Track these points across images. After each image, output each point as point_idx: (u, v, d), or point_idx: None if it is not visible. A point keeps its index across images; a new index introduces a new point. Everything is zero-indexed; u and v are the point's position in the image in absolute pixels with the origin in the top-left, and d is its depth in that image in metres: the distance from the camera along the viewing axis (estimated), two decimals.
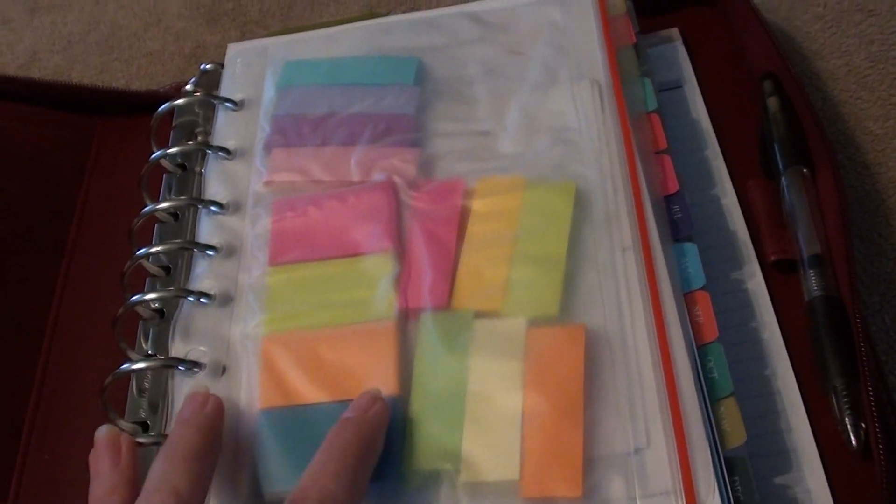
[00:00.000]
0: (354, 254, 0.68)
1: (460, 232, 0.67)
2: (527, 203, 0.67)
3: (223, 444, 0.61)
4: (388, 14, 0.89)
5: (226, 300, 0.68)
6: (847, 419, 0.60)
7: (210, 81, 0.82)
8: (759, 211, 0.71)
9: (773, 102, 0.74)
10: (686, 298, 0.64)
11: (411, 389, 0.61)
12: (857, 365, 0.61)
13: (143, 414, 0.67)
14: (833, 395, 0.61)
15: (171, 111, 0.80)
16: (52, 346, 0.75)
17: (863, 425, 0.60)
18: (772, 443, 0.62)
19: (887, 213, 0.74)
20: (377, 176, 0.71)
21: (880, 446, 0.58)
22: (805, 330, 0.65)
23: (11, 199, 0.81)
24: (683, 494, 0.55)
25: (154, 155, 0.76)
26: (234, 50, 0.84)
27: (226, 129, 0.78)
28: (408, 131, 0.73)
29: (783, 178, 0.70)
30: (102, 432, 0.61)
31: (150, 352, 0.69)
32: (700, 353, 0.61)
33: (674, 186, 0.69)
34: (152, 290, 0.71)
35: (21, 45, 1.03)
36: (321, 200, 0.70)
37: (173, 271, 0.73)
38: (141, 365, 0.66)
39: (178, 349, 0.67)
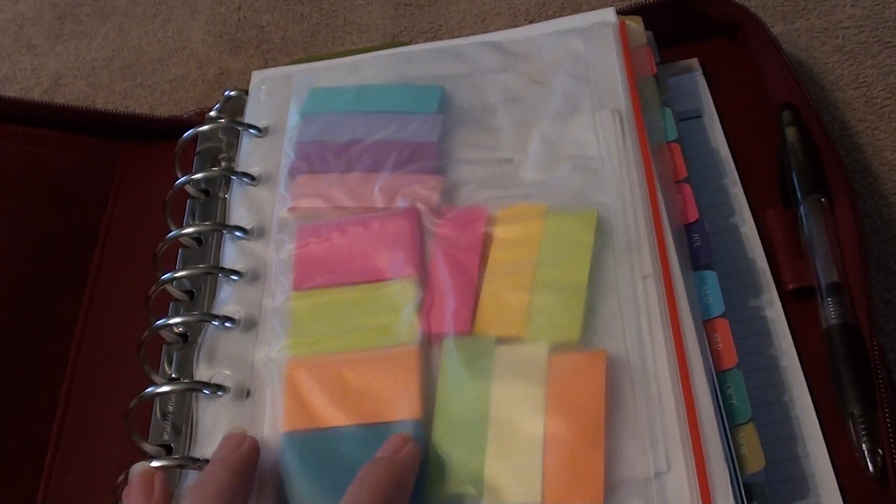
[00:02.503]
0: (378, 279, 0.68)
1: (483, 259, 0.68)
2: (548, 230, 0.68)
3: None
4: (410, 43, 0.89)
5: (250, 324, 0.69)
6: (864, 445, 0.60)
7: (234, 108, 0.83)
8: (778, 239, 0.72)
9: (791, 132, 0.75)
10: (706, 325, 0.64)
11: (434, 413, 0.62)
12: (874, 392, 0.61)
13: (166, 437, 0.67)
14: (850, 422, 0.62)
15: (195, 137, 0.80)
16: (77, 370, 0.76)
17: (880, 451, 0.60)
18: (790, 468, 0.62)
19: None
20: (401, 203, 0.71)
21: None
22: (823, 357, 0.65)
23: (36, 224, 0.81)
24: None
25: (179, 180, 0.76)
26: (258, 77, 0.84)
27: (250, 155, 0.78)
28: (431, 159, 0.74)
29: (801, 207, 0.71)
30: (137, 469, 0.62)
31: (173, 375, 0.70)
32: (719, 379, 0.62)
33: (693, 215, 0.69)
34: (177, 314, 0.71)
35: (45, 71, 1.04)
36: (345, 226, 0.71)
37: (197, 295, 0.73)
38: (166, 388, 0.66)
39: (202, 373, 0.67)
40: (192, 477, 0.63)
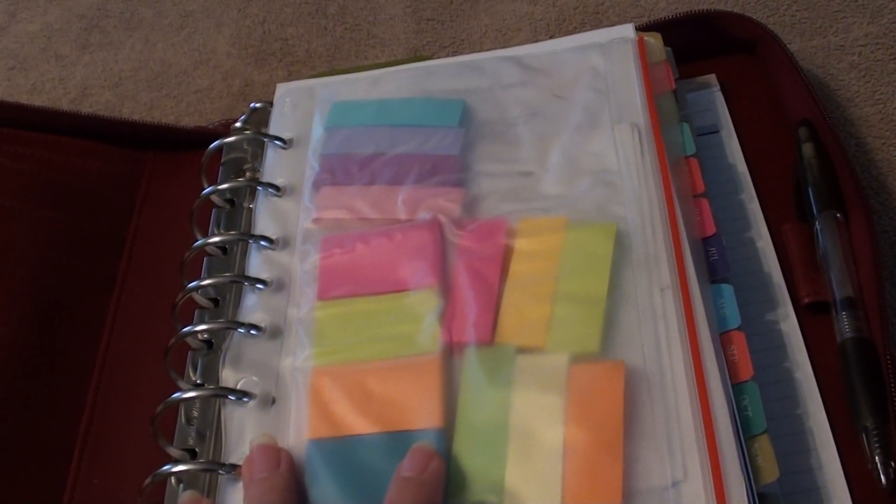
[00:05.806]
0: (401, 290, 0.69)
1: (503, 270, 0.68)
2: (568, 243, 0.68)
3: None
4: (432, 57, 0.90)
5: (275, 333, 0.69)
6: (877, 458, 0.61)
7: (259, 119, 0.84)
8: (793, 254, 0.72)
9: (808, 148, 0.75)
10: (722, 338, 0.65)
11: (456, 422, 0.62)
12: (887, 405, 0.62)
13: (191, 441, 0.68)
14: (864, 435, 0.62)
15: (220, 147, 0.81)
16: (104, 374, 0.76)
17: (893, 464, 0.61)
18: (803, 480, 0.63)
19: None
20: (423, 215, 0.72)
21: None
22: (837, 370, 0.66)
23: (64, 230, 0.82)
24: None
25: (206, 190, 0.77)
26: (282, 89, 0.85)
27: (275, 166, 0.79)
28: (453, 172, 0.74)
29: (817, 222, 0.72)
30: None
31: (198, 381, 0.71)
32: (735, 391, 0.62)
33: (711, 229, 0.70)
34: (203, 321, 0.72)
35: (73, 81, 1.05)
36: (368, 238, 0.71)
37: (221, 303, 0.74)
38: (192, 394, 0.67)
39: (227, 379, 0.68)
40: (225, 485, 0.64)
